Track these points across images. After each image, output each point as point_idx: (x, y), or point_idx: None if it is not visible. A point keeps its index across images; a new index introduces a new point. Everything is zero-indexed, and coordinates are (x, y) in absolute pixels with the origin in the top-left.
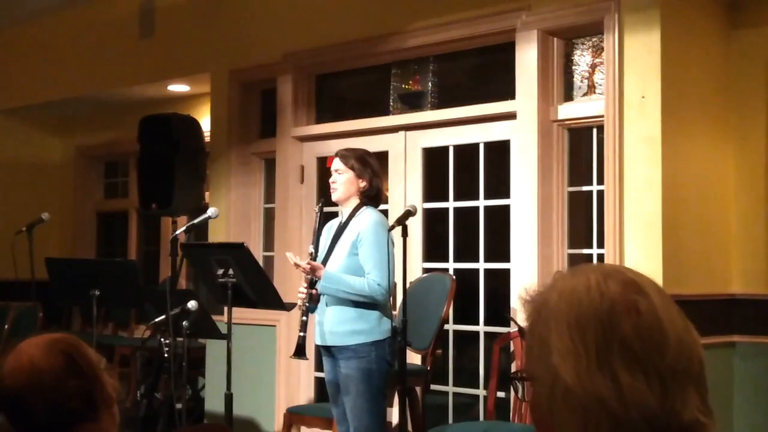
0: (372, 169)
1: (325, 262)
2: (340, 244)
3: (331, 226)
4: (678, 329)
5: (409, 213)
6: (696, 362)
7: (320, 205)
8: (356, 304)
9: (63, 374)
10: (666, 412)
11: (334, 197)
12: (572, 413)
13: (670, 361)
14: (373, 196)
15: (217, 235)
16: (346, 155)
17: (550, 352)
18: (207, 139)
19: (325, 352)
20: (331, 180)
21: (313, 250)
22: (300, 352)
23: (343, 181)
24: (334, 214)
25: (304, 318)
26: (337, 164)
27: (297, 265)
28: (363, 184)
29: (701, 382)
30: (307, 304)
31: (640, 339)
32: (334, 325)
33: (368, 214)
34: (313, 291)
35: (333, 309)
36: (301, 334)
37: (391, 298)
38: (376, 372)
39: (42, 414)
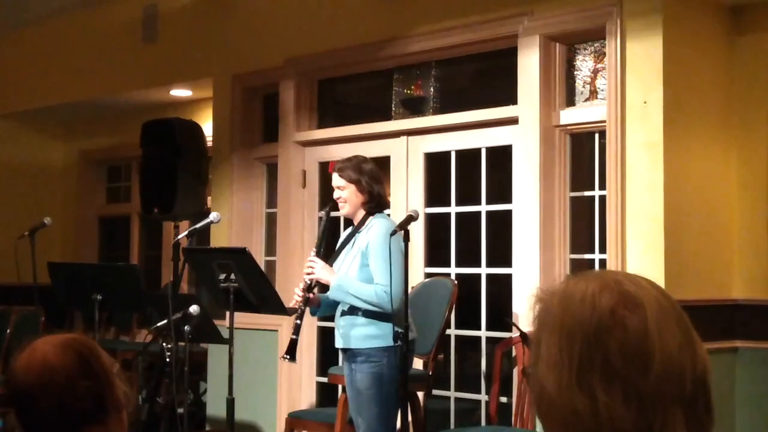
0: (370, 178)
1: None
2: (350, 256)
3: (343, 234)
4: (669, 349)
5: (410, 218)
6: (688, 382)
7: (327, 209)
8: (368, 312)
9: (75, 374)
10: None
11: (344, 213)
12: (553, 422)
13: (654, 382)
14: (377, 204)
15: (219, 239)
16: (343, 169)
17: (539, 359)
18: (209, 143)
19: (343, 355)
20: (336, 196)
21: (314, 254)
22: (291, 354)
23: (348, 197)
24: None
25: (298, 321)
26: (337, 180)
27: (311, 263)
28: (363, 196)
29: (695, 403)
30: (302, 307)
31: (622, 357)
32: (350, 328)
33: (377, 224)
34: (310, 294)
35: (348, 314)
36: (294, 336)
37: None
38: (387, 377)
39: (51, 412)
